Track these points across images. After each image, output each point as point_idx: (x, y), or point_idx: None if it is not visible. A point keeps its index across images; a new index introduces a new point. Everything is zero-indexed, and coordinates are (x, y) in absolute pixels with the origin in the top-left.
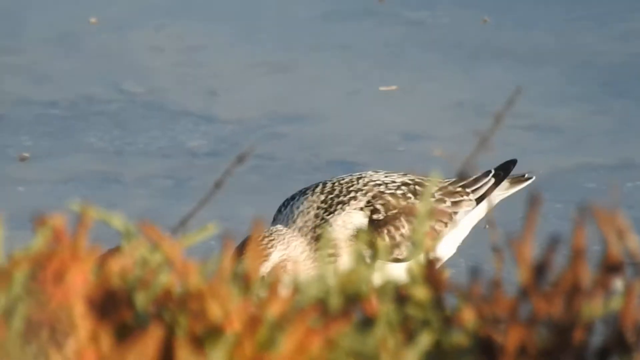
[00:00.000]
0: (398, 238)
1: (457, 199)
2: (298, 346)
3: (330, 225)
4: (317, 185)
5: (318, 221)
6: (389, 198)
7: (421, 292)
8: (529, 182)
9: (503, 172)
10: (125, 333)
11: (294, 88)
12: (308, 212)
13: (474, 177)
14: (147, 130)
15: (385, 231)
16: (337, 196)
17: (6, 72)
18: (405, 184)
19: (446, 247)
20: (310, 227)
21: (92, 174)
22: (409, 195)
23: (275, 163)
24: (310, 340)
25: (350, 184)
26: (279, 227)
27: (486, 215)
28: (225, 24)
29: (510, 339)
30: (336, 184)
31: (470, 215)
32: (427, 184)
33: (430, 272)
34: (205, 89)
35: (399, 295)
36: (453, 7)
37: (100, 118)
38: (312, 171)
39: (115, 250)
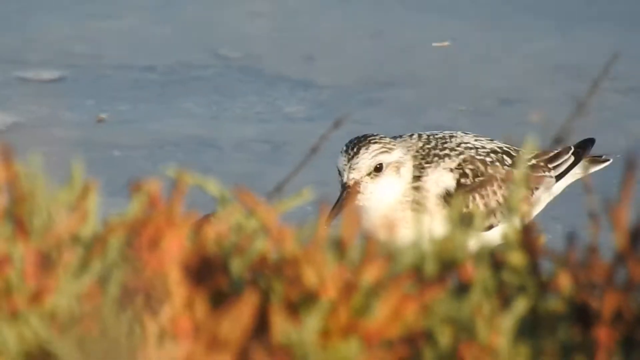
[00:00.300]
0: (482, 206)
1: (540, 174)
2: (393, 312)
3: (427, 175)
4: (412, 134)
5: (416, 165)
6: (479, 164)
7: (517, 258)
8: (607, 163)
9: (582, 150)
10: (220, 299)
11: (390, 52)
12: (409, 151)
13: (555, 152)
14: (244, 96)
15: (471, 198)
16: (434, 148)
17: (105, 38)
18: (494, 151)
19: None
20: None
21: (189, 139)
22: (497, 164)
23: (372, 128)
24: (405, 307)
25: (444, 141)
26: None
27: (582, 179)
28: None
29: (607, 304)
30: (431, 136)
31: (549, 192)
32: (513, 153)
33: (526, 238)
34: (302, 54)
35: (495, 261)
36: None
37: (197, 83)
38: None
39: (211, 216)
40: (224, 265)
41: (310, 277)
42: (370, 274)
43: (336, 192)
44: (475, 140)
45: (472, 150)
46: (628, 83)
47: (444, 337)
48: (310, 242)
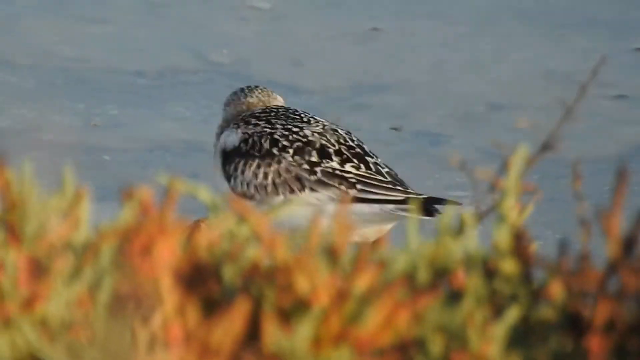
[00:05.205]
0: (251, 175)
1: (328, 182)
2: (385, 320)
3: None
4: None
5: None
6: (263, 139)
7: (509, 266)
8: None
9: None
10: (212, 307)
11: (380, 57)
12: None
13: (385, 180)
14: None
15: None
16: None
17: (94, 41)
18: (304, 136)
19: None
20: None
21: (178, 143)
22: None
23: (360, 133)
24: (397, 315)
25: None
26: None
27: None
28: None
29: (599, 313)
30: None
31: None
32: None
33: (518, 246)
34: (291, 59)
35: (487, 269)
36: None
37: (186, 88)
38: (397, 142)
39: (201, 221)
40: (216, 273)
41: (302, 284)
42: (363, 282)
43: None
44: (315, 125)
45: (264, 127)
46: (618, 89)
47: (436, 346)
48: (302, 249)
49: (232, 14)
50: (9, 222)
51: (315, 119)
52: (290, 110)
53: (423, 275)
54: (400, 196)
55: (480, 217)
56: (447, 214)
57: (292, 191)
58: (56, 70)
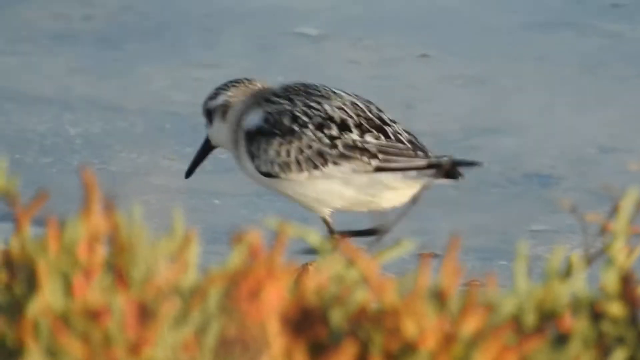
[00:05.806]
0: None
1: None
2: None
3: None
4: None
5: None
6: (286, 117)
7: (616, 309)
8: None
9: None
10: (319, 351)
11: (489, 100)
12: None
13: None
14: None
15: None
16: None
17: (204, 86)
18: (329, 117)
19: None
20: None
21: None
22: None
23: (471, 176)
24: (504, 358)
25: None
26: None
27: None
28: (420, 36)
29: None
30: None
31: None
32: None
33: (625, 288)
34: (401, 101)
35: (594, 312)
36: None
37: None
38: (508, 184)
39: (310, 265)
40: (324, 316)
41: (409, 328)
42: (470, 325)
43: (434, 241)
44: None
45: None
46: None
47: None
48: (410, 293)
49: (342, 56)
50: (117, 266)
51: (335, 92)
52: (311, 87)
53: (530, 319)
54: (422, 162)
55: (589, 260)
56: (556, 257)
57: (315, 167)
58: (166, 115)
